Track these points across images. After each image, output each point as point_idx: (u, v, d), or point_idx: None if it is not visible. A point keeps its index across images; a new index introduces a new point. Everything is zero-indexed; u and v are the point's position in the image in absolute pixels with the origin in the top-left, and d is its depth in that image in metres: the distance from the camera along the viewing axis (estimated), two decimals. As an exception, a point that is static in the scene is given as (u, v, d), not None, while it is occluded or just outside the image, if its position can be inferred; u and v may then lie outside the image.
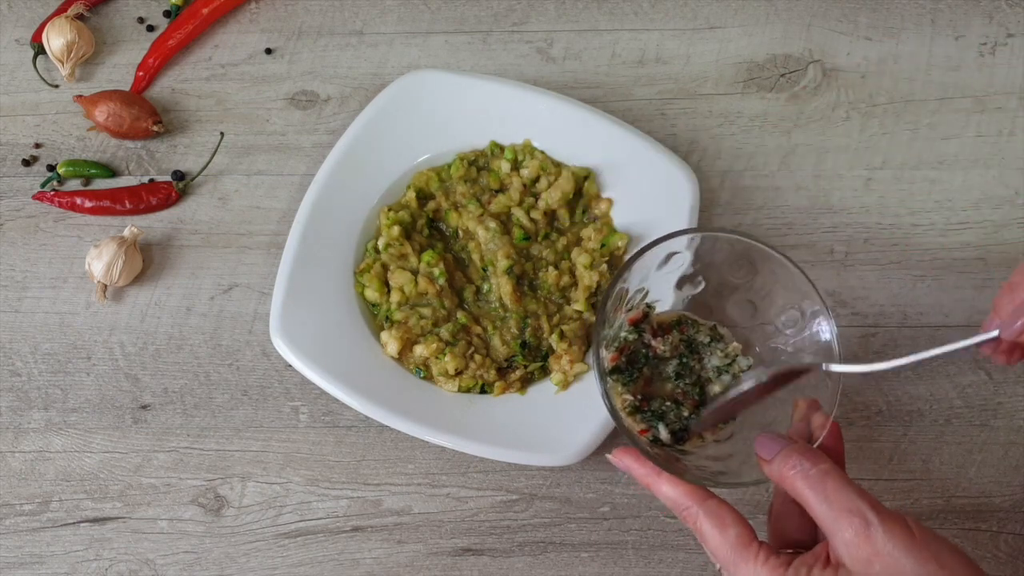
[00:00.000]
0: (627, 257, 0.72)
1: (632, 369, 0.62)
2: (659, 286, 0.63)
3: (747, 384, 0.58)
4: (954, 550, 0.49)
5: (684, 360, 0.63)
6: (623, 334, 0.63)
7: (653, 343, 0.63)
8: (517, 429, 0.68)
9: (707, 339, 0.64)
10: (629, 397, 0.62)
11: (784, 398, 0.61)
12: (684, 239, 0.61)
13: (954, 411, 0.72)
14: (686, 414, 0.62)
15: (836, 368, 0.57)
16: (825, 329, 0.60)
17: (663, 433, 0.61)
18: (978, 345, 0.53)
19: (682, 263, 0.62)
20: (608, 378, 0.62)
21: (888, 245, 0.75)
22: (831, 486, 0.50)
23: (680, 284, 0.64)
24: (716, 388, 0.63)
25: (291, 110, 0.78)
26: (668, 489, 0.56)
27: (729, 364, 0.64)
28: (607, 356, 0.62)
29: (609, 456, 0.59)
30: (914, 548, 0.48)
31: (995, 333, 0.52)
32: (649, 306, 0.64)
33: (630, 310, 0.63)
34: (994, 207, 0.76)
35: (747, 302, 0.64)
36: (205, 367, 0.73)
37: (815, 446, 0.55)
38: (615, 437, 0.69)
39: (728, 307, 0.65)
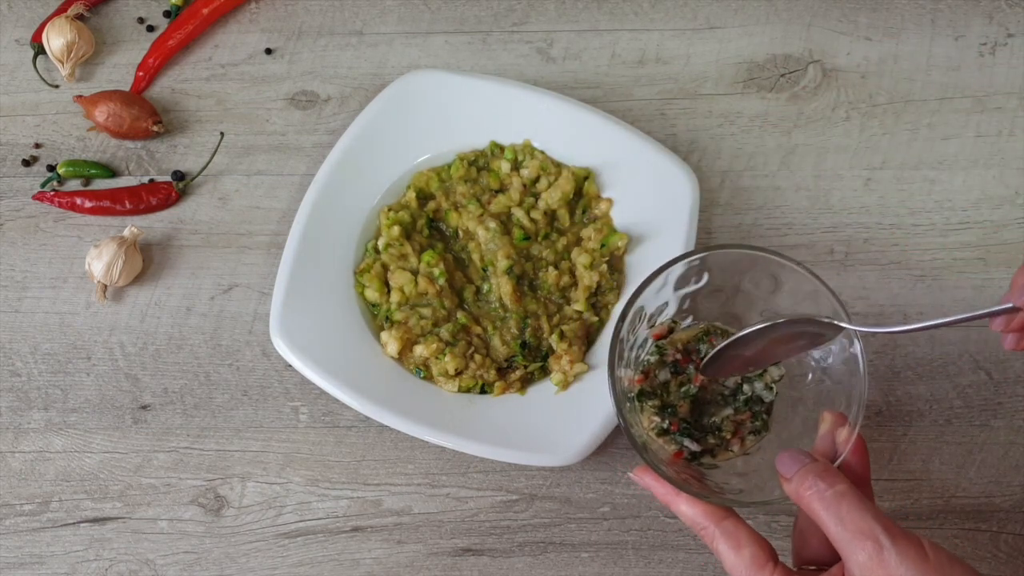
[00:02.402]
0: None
1: (660, 390, 0.62)
2: (679, 302, 0.63)
3: (758, 325, 0.57)
4: (968, 571, 0.49)
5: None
6: (646, 356, 0.63)
7: (680, 359, 0.63)
8: (517, 429, 0.68)
9: None
10: (656, 419, 0.61)
11: (815, 402, 0.61)
12: (699, 256, 0.60)
13: (954, 411, 0.72)
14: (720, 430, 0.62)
15: (855, 328, 0.56)
16: (851, 341, 0.59)
17: (690, 447, 0.61)
18: (992, 316, 0.53)
19: (700, 279, 0.62)
20: (635, 402, 0.62)
21: (888, 245, 0.75)
22: (845, 508, 0.50)
23: (700, 298, 0.63)
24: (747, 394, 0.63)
25: (291, 110, 0.78)
26: (686, 508, 0.56)
27: (760, 374, 0.63)
28: (630, 378, 0.61)
29: (630, 474, 0.59)
30: (927, 571, 0.48)
31: (1010, 305, 0.52)
32: (675, 321, 0.64)
33: (652, 326, 0.63)
34: (994, 207, 0.76)
35: (772, 314, 0.63)
36: (205, 367, 0.73)
37: (837, 463, 0.55)
38: (616, 437, 0.69)
39: (752, 320, 0.64)
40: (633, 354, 0.62)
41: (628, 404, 0.61)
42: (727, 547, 0.54)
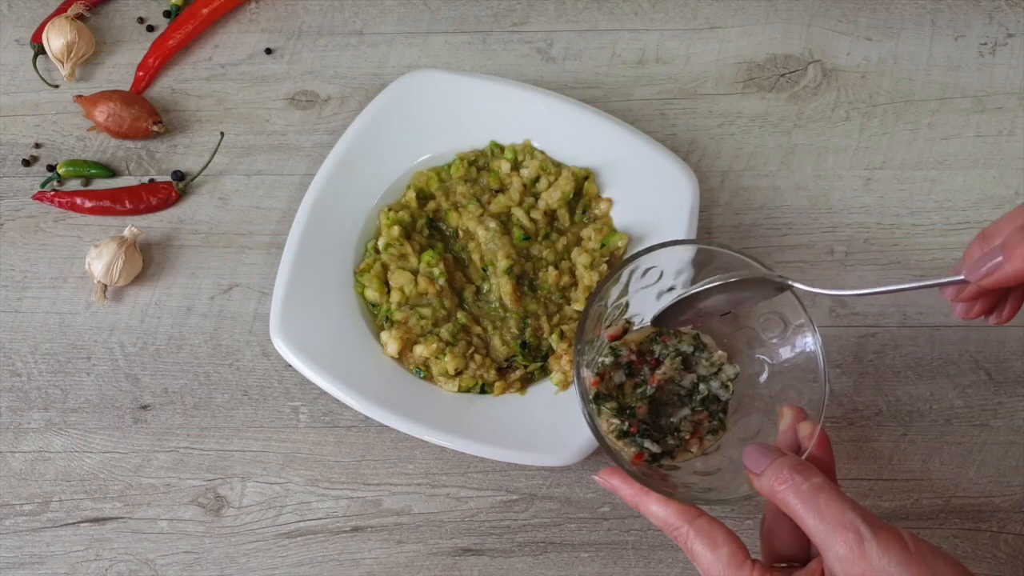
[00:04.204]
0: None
1: (616, 392, 0.62)
2: (638, 301, 0.62)
3: (711, 281, 0.57)
4: (950, 562, 0.48)
5: (667, 374, 0.63)
6: (601, 358, 0.62)
7: (634, 360, 0.63)
8: (517, 429, 0.68)
9: (690, 348, 0.63)
10: (616, 421, 0.61)
11: (770, 399, 0.61)
12: (660, 252, 0.59)
13: (954, 411, 0.72)
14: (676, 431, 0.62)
15: (801, 287, 0.56)
16: (809, 340, 0.59)
17: (651, 449, 0.61)
18: (943, 286, 0.53)
19: (659, 276, 0.61)
20: (592, 405, 0.61)
21: (888, 245, 0.75)
22: (823, 500, 0.49)
23: (660, 297, 0.62)
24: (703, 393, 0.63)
25: (291, 110, 0.78)
26: (657, 509, 0.55)
27: (716, 372, 0.63)
28: (589, 378, 0.61)
29: (595, 477, 0.58)
30: (909, 562, 0.47)
31: (960, 277, 0.51)
32: (628, 321, 0.63)
33: (609, 327, 0.63)
34: (994, 207, 0.76)
35: (727, 312, 0.63)
36: (205, 367, 0.73)
37: (803, 457, 0.54)
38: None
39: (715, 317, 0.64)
40: (591, 356, 0.62)
41: (589, 407, 0.60)
42: (703, 546, 0.53)
